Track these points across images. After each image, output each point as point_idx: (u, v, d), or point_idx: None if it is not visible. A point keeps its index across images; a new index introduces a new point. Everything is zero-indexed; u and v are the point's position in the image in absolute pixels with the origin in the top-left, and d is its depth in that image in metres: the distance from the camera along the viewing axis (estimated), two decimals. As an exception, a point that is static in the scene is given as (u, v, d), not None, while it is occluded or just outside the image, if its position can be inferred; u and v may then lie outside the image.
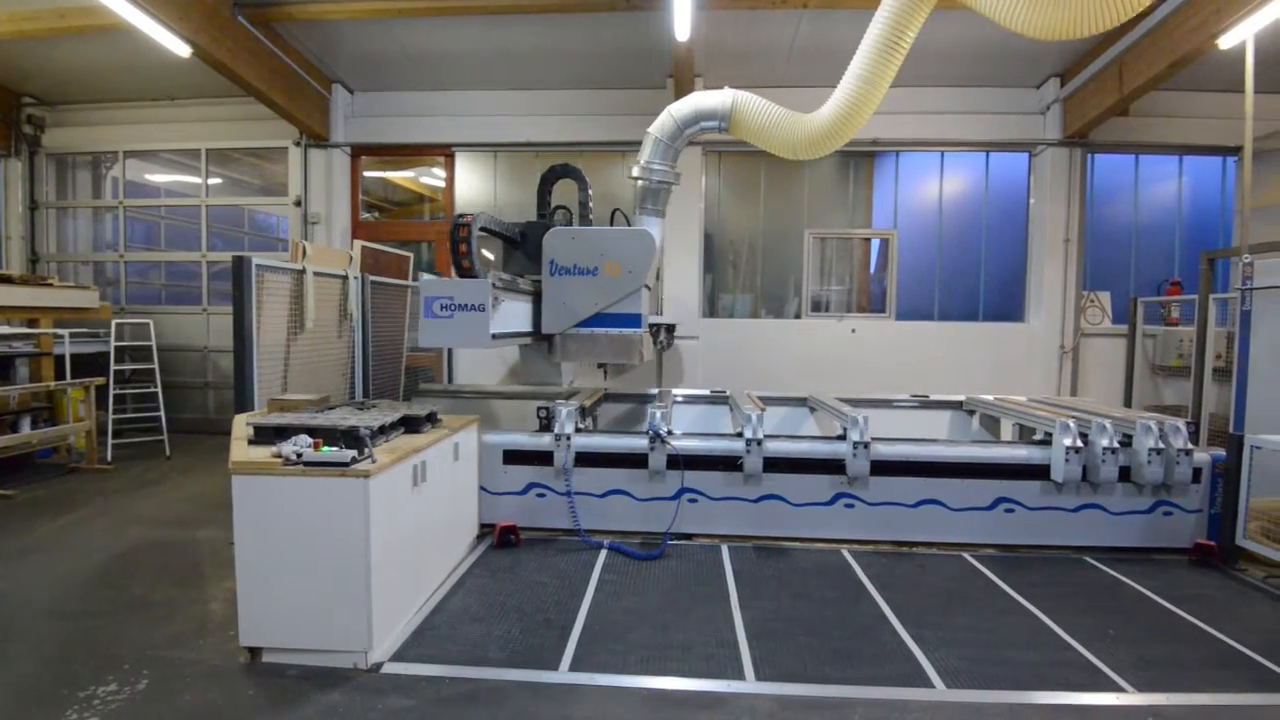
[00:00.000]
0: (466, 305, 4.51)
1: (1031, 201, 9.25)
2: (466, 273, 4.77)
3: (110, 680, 3.24)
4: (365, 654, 3.37)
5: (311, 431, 3.58)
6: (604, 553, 5.00)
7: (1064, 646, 3.72)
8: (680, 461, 5.23)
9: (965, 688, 3.29)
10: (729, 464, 5.24)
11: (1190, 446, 5.01)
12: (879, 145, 9.12)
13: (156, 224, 10.39)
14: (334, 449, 3.43)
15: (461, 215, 4.90)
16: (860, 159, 9.46)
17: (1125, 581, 4.66)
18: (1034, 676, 3.40)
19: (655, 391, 7.12)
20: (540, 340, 5.69)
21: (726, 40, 7.99)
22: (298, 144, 9.42)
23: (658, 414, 5.27)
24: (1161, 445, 4.97)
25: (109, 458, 7.72)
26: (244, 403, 4.75)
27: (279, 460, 3.33)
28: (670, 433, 5.31)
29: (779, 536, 5.31)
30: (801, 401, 6.95)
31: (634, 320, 5.05)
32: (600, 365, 5.84)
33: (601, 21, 7.63)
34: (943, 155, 9.24)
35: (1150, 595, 4.43)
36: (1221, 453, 5.10)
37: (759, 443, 5.15)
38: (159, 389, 8.22)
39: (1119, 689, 3.29)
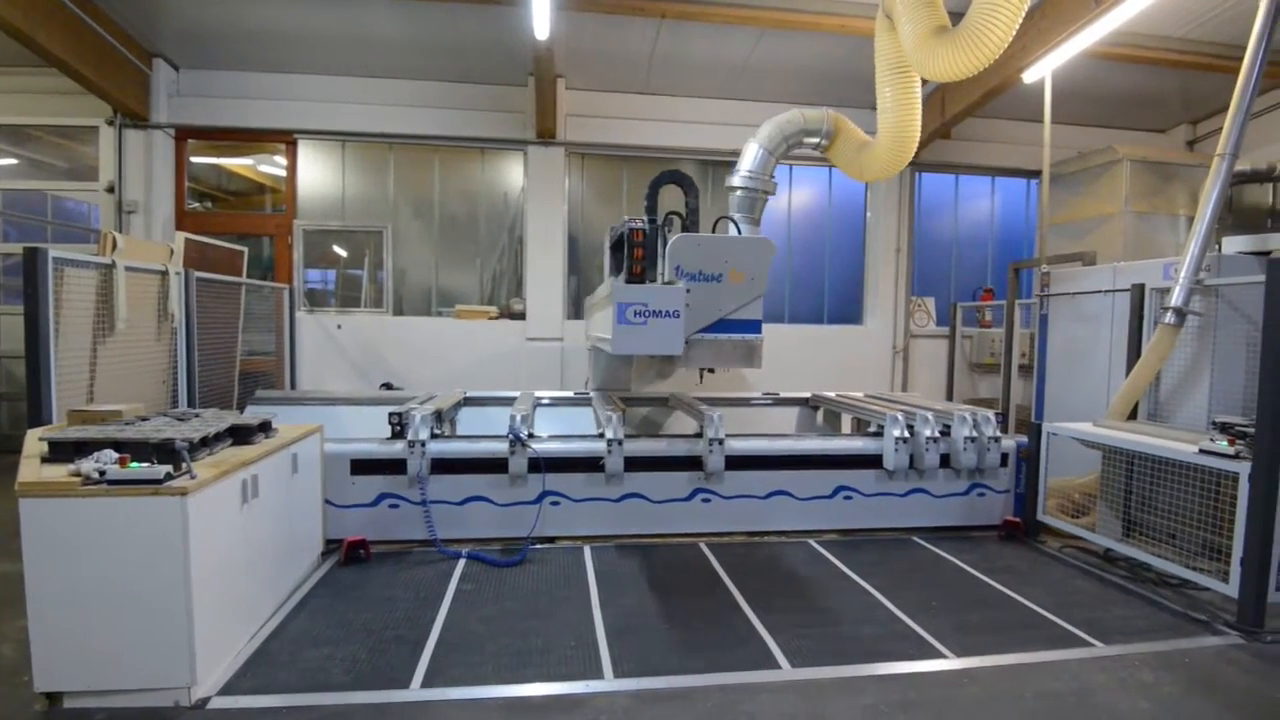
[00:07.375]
0: (661, 311, 4.64)
1: (868, 214, 10.02)
2: (637, 278, 4.92)
3: None
4: (188, 689, 3.04)
5: (118, 446, 3.18)
6: (462, 562, 4.84)
7: (895, 620, 4.06)
8: (542, 464, 5.17)
9: (809, 666, 3.50)
10: (591, 465, 5.25)
11: (999, 434, 5.63)
12: (735, 157, 9.46)
13: (-71, 208, 8.86)
14: (144, 465, 3.07)
15: (633, 219, 5.09)
16: (718, 168, 9.81)
17: (946, 557, 5.16)
18: (869, 650, 3.68)
19: (515, 395, 7.00)
20: None
21: (586, 43, 8.00)
22: (111, 123, 8.36)
23: (518, 417, 5.19)
24: (975, 434, 5.56)
25: None
26: (39, 416, 4.21)
27: (77, 479, 2.93)
28: (531, 435, 5.25)
29: (641, 534, 5.39)
30: (663, 401, 7.11)
31: (754, 326, 5.11)
32: (701, 370, 5.77)
33: (461, 11, 7.37)
34: (791, 169, 9.79)
35: (967, 569, 4.94)
36: (1025, 439, 5.77)
37: (620, 442, 5.21)
38: (-71, 401, 7.01)
39: (941, 655, 3.64)
